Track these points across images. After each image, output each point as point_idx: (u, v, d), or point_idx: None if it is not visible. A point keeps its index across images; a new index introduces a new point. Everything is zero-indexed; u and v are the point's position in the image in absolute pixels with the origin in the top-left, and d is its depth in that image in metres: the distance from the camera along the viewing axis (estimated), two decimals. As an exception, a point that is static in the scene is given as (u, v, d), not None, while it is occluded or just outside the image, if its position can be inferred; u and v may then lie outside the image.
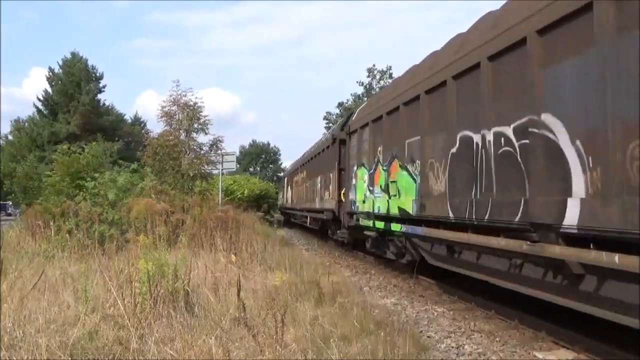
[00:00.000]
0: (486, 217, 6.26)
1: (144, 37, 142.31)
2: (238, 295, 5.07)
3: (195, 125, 17.10)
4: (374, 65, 68.86)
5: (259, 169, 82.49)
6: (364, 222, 12.14)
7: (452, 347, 6.28)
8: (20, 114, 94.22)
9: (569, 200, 4.77)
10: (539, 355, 5.98)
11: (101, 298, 5.95)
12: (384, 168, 10.42)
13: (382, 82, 67.25)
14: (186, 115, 16.89)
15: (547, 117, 5.19)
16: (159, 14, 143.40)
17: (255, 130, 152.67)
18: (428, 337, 6.68)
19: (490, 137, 6.24)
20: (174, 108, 16.98)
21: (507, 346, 6.32)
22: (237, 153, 60.80)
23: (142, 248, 7.90)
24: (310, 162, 22.07)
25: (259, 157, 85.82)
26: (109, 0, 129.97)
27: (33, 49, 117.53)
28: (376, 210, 10.79)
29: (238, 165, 48.78)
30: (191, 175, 16.79)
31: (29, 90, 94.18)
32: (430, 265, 9.24)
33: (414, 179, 8.78)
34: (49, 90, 44.59)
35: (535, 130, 5.33)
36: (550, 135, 5.12)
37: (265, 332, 4.94)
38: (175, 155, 16.59)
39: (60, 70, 44.44)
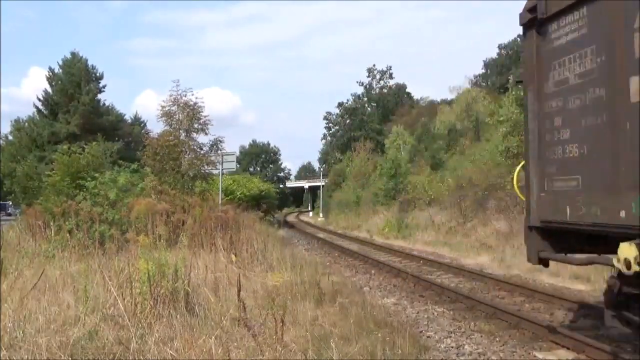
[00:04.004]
0: None
1: (143, 36, 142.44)
2: (238, 295, 5.06)
3: (195, 125, 17.08)
4: (374, 65, 69.09)
5: (259, 169, 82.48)
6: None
7: (452, 347, 6.28)
8: (19, 114, 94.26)
9: None
10: (539, 355, 5.98)
11: (101, 298, 5.94)
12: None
13: (382, 82, 67.31)
14: (186, 115, 16.87)
15: None
16: (157, 14, 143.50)
17: (255, 130, 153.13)
18: (428, 337, 6.68)
19: None
20: (173, 108, 16.97)
21: (507, 346, 6.32)
22: (237, 153, 60.75)
23: (142, 248, 7.89)
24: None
25: (259, 157, 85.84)
26: (108, 0, 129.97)
27: (32, 49, 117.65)
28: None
29: (238, 165, 48.75)
30: (191, 175, 16.78)
31: (28, 90, 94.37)
32: None
33: None
34: (49, 90, 44.54)
35: None
36: None
37: (265, 332, 4.94)
38: (175, 156, 16.57)
39: (60, 70, 44.39)
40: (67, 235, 11.25)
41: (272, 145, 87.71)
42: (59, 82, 43.86)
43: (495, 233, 16.10)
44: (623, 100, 3.67)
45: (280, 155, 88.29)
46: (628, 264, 3.53)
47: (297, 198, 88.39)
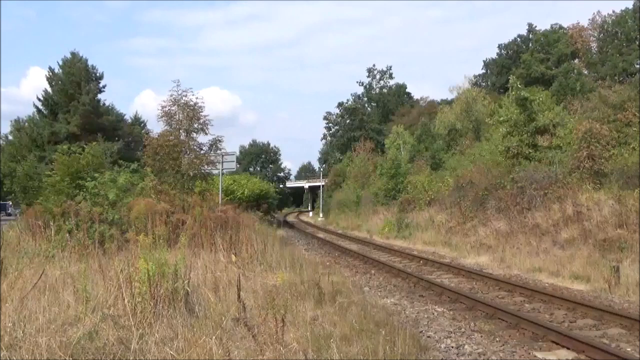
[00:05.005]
0: None
1: (142, 36, 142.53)
2: (238, 295, 5.07)
3: (195, 125, 17.07)
4: (374, 65, 69.06)
5: (259, 169, 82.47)
6: None
7: (452, 347, 6.28)
8: (19, 114, 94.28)
9: None
10: (539, 355, 5.98)
11: (101, 298, 5.95)
12: None
13: (382, 82, 67.33)
14: (186, 115, 16.86)
15: None
16: (156, 13, 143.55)
17: (255, 130, 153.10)
18: (428, 337, 6.68)
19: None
20: (173, 108, 16.96)
21: (507, 346, 6.32)
22: (237, 153, 60.74)
23: (142, 248, 7.88)
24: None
25: (259, 157, 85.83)
26: (107, 0, 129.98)
27: (31, 49, 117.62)
28: None
29: (238, 165, 48.74)
30: (191, 175, 16.77)
31: (27, 90, 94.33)
32: None
33: None
34: (49, 90, 44.52)
35: None
36: None
37: (265, 332, 4.94)
38: (175, 155, 16.56)
39: (60, 70, 44.36)
40: (67, 235, 11.24)
41: (272, 145, 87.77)
42: (59, 82, 43.86)
43: (495, 233, 16.10)
44: None
45: (280, 155, 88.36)
46: None
47: (297, 198, 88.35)
